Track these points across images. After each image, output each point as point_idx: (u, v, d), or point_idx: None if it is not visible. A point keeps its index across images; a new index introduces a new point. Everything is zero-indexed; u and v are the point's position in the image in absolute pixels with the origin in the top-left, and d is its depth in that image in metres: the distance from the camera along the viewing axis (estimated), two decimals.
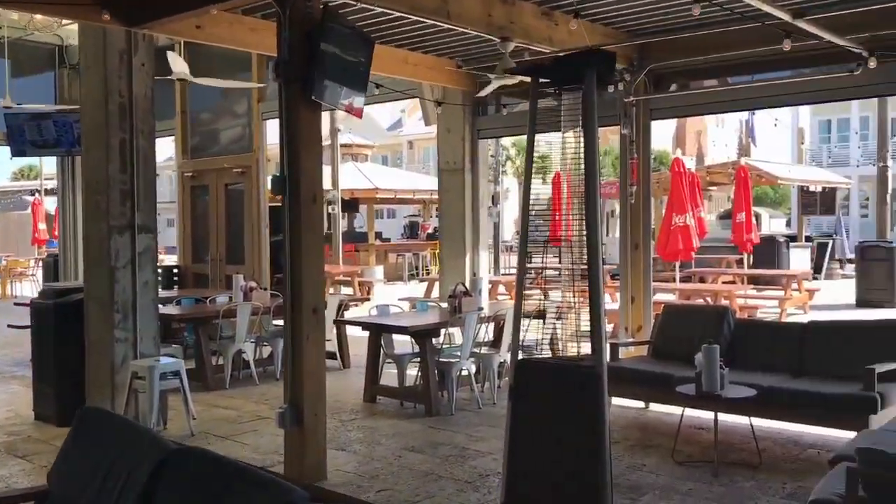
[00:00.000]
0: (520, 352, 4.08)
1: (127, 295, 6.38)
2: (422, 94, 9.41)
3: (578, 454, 3.75)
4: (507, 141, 40.88)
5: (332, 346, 9.22)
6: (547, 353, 4.11)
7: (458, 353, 7.11)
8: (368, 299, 15.45)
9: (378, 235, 23.97)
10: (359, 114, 5.37)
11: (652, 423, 6.62)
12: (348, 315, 9.99)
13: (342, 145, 22.51)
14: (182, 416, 6.79)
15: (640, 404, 6.95)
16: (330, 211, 19.70)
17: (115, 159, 6.33)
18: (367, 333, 7.50)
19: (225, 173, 12.32)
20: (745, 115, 28.32)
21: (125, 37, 6.31)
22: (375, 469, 5.41)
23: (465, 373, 7.17)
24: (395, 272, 21.35)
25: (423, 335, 6.96)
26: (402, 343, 7.74)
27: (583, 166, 3.94)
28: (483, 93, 7.86)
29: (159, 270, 13.30)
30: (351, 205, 22.12)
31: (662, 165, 27.78)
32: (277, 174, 5.11)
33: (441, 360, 7.17)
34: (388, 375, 7.67)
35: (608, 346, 6.56)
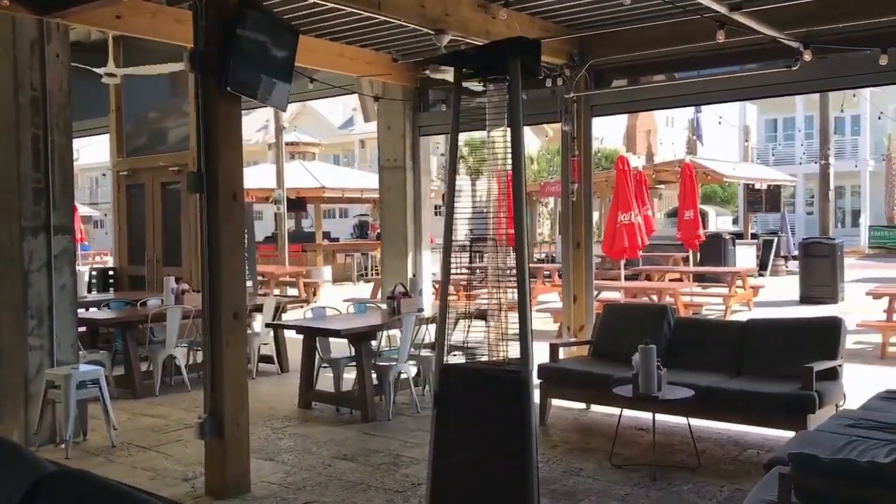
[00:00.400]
0: (446, 356, 3.88)
1: (42, 299, 6.04)
2: (360, 89, 9.17)
3: (504, 463, 3.56)
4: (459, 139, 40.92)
5: (269, 349, 8.96)
6: (479, 357, 3.91)
7: (397, 356, 6.89)
8: (307, 301, 15.16)
9: (326, 235, 23.60)
10: (282, 106, 5.11)
11: (592, 424, 6.49)
12: (287, 318, 9.72)
13: (288, 143, 22.12)
14: (104, 426, 6.48)
15: (582, 405, 6.82)
16: (275, 210, 19.33)
17: (26, 156, 5.97)
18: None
19: (161, 172, 11.92)
20: (691, 113, 28.54)
21: (37, 26, 5.96)
22: (303, 480, 5.16)
23: (403, 376, 6.96)
24: (344, 273, 21.03)
25: (358, 338, 6.73)
26: (341, 346, 7.50)
27: (509, 163, 3.74)
28: (434, 75, 7.66)
29: (94, 273, 12.95)
30: (298, 204, 21.72)
31: (613, 165, 27.90)
32: (194, 171, 4.83)
33: (379, 363, 6.95)
34: (327, 380, 7.43)
35: (538, 348, 6.42)
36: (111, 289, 12.30)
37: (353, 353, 6.96)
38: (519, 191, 3.66)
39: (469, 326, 3.94)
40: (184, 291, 8.52)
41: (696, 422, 5.69)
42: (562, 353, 6.97)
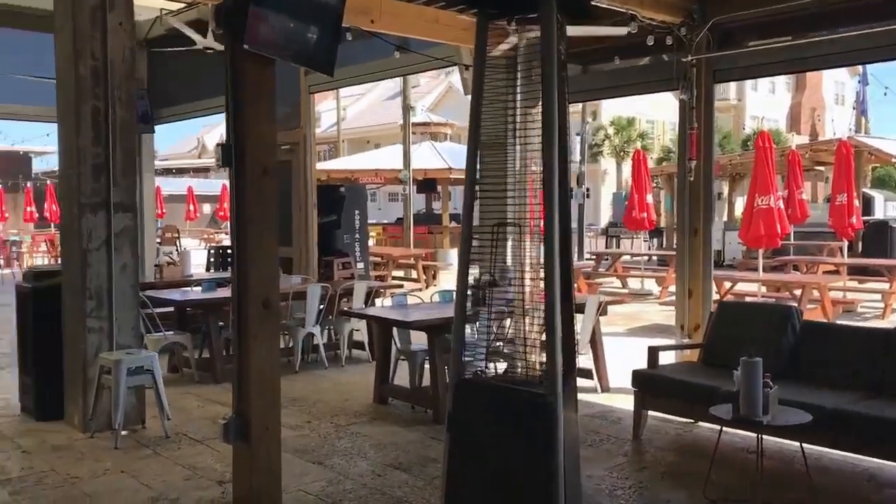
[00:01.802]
0: (467, 366, 3.17)
1: (101, 280, 5.79)
2: (461, 60, 8.47)
3: (527, 499, 2.82)
4: (605, 118, 39.27)
5: (361, 335, 8.52)
6: (513, 369, 3.19)
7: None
8: (426, 285, 14.66)
9: (455, 217, 23.13)
10: (326, 70, 4.50)
11: (696, 443, 5.54)
12: (384, 303, 9.21)
13: (419, 124, 21.79)
14: (183, 412, 6.23)
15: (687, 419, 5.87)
16: (402, 191, 19.03)
17: (86, 130, 5.72)
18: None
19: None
20: (856, 85, 25.77)
21: None
22: (343, 492, 4.59)
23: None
24: None
25: (433, 330, 6.09)
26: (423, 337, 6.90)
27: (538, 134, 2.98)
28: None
29: (212, 251, 13.03)
30: (428, 185, 21.35)
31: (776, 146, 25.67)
32: (223, 143, 4.32)
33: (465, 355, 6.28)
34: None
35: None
36: (229, 267, 12.30)
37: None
38: (553, 170, 2.89)
39: (503, 330, 3.22)
40: None
41: (820, 449, 4.65)
42: (670, 357, 6.06)
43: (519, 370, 3.08)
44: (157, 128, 15.34)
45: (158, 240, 16.31)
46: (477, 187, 3.50)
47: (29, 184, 29.25)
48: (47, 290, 6.06)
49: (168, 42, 13.98)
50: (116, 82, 5.81)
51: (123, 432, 5.58)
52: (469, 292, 5.78)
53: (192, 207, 27.02)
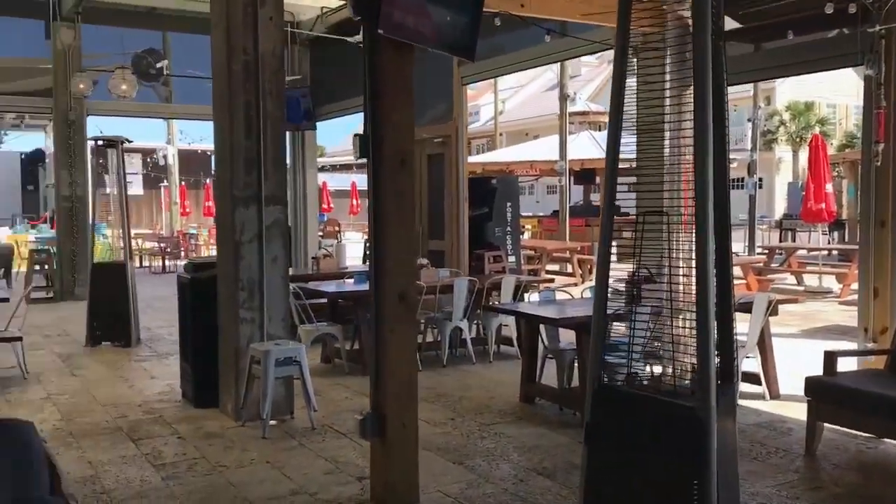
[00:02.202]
0: (613, 372, 2.87)
1: (253, 272, 5.90)
2: None
3: None
4: (780, 103, 36.81)
5: (510, 330, 8.29)
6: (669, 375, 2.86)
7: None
8: (581, 280, 14.21)
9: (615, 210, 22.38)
10: (468, 55, 4.30)
11: (882, 462, 4.91)
12: (531, 298, 8.93)
13: (578, 113, 21.26)
14: (331, 404, 6.28)
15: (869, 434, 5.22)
16: (558, 182, 18.62)
17: (239, 124, 5.84)
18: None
19: (427, 144, 11.75)
20: None
21: None
22: (482, 496, 4.38)
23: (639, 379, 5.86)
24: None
25: (582, 329, 5.76)
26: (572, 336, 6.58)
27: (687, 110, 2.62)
28: None
29: (368, 244, 13.26)
30: (586, 176, 20.80)
31: None
32: (360, 133, 4.22)
33: (607, 358, 5.92)
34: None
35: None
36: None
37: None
38: (707, 149, 2.53)
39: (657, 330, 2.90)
40: (420, 267, 8.13)
41: None
42: (851, 364, 5.43)
43: (669, 375, 2.74)
44: (324, 125, 15.85)
45: (321, 233, 16.84)
46: (618, 175, 3.14)
47: (208, 180, 31.19)
48: (204, 281, 6.26)
49: (329, 39, 14.37)
50: (267, 76, 5.88)
51: (272, 422, 5.66)
52: (622, 288, 5.41)
53: (355, 202, 27.89)
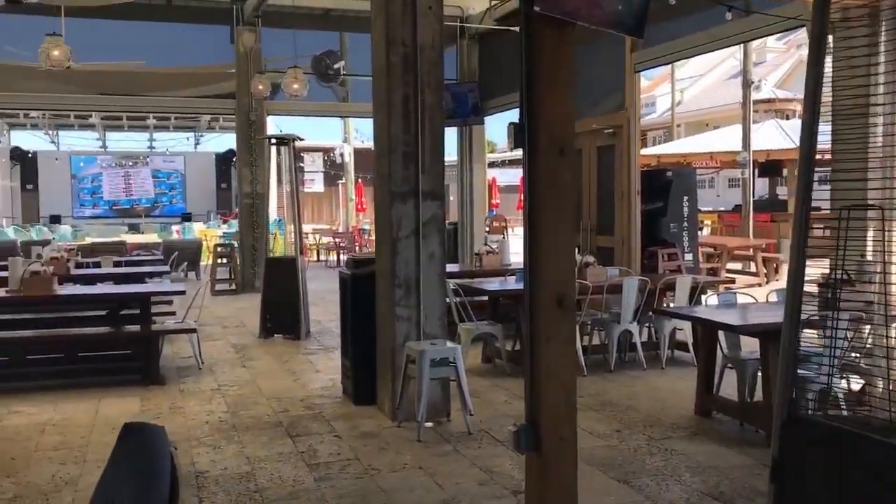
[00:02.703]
0: (805, 392, 2.39)
1: (409, 268, 5.75)
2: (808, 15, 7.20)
3: None
4: None
5: (685, 334, 7.70)
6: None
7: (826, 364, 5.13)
8: (766, 280, 13.12)
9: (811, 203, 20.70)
10: (635, 31, 3.86)
11: None
12: (710, 301, 8.26)
13: (763, 101, 19.82)
14: (489, 407, 6.05)
15: None
16: (740, 175, 17.44)
17: (397, 117, 5.70)
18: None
19: (597, 135, 11.26)
20: None
21: None
22: None
23: (838, 391, 5.17)
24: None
25: (767, 337, 5.15)
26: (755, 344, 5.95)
27: None
28: None
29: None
30: (771, 167, 19.36)
31: None
32: (516, 121, 3.90)
33: (800, 371, 5.26)
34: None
35: None
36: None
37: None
38: None
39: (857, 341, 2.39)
40: (587, 264, 7.71)
41: None
42: None
43: (874, 396, 2.24)
44: (496, 120, 15.71)
45: (487, 229, 16.69)
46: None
47: None
48: (363, 277, 6.18)
49: (499, 33, 14.15)
50: (426, 68, 5.70)
51: (427, 424, 5.49)
52: (814, 291, 4.73)
53: (523, 197, 27.62)
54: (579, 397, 6.10)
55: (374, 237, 23.27)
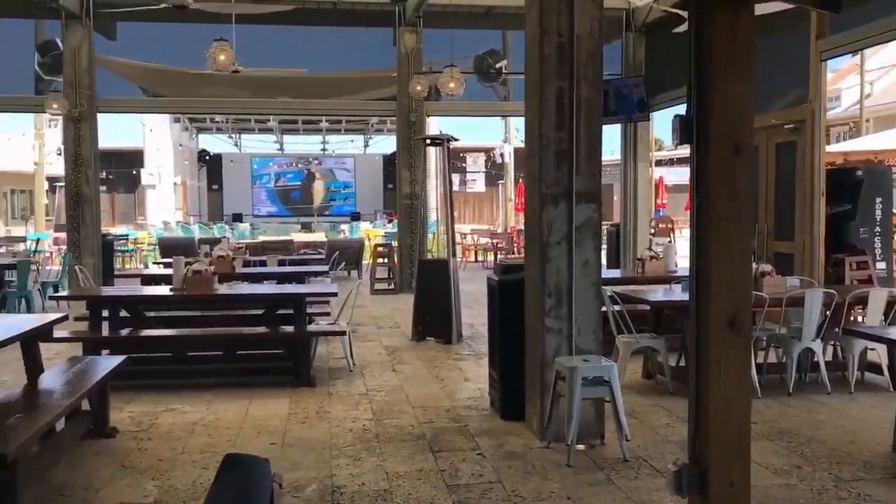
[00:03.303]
0: None
1: (561, 276, 5.32)
2: None
3: None
4: None
5: (878, 355, 6.78)
6: None
7: None
8: None
9: None
10: (834, 8, 3.26)
11: None
12: None
13: None
14: (648, 431, 5.53)
15: None
16: None
17: (549, 113, 5.29)
18: None
19: (775, 131, 10.30)
20: None
21: None
22: None
23: None
24: None
25: None
26: None
27: None
28: None
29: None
30: None
31: None
32: (682, 114, 3.39)
33: None
34: None
35: None
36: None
37: None
38: None
39: None
40: (764, 274, 6.96)
41: None
42: None
43: None
44: (663, 116, 14.91)
45: (652, 231, 15.87)
46: None
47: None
48: (512, 284, 5.82)
49: (667, 24, 13.37)
50: (582, 59, 5.25)
51: (579, 446, 5.05)
52: None
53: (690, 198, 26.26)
54: (752, 423, 5.45)
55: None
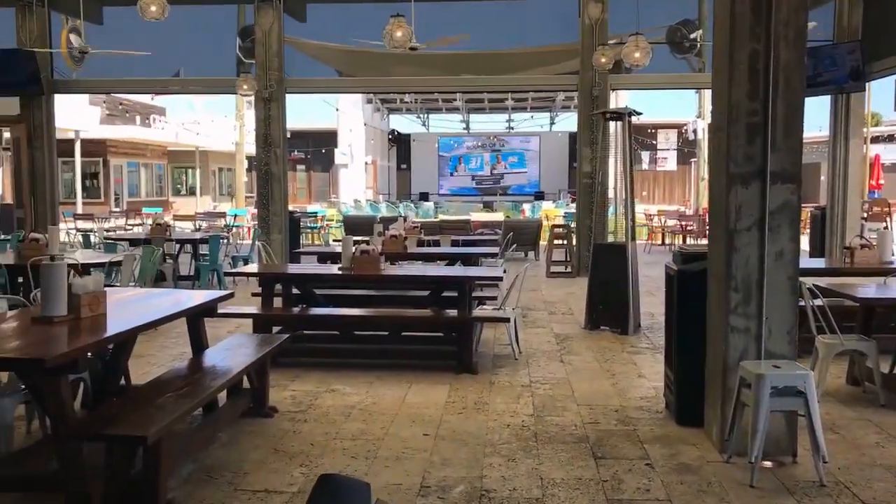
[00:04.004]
0: None
1: (750, 268, 4.64)
2: None
3: None
4: None
5: None
6: None
7: None
8: None
9: None
10: None
11: None
12: None
13: None
14: (853, 449, 4.78)
15: None
16: None
17: (740, 80, 4.59)
18: None
19: None
20: None
21: None
22: None
23: None
24: None
25: None
26: None
27: None
28: None
29: None
30: None
31: None
32: None
33: None
34: None
35: None
36: None
37: None
38: None
39: None
40: None
41: None
42: None
43: None
44: (881, 87, 13.29)
45: (864, 215, 14.22)
46: None
47: None
48: (693, 275, 5.18)
49: None
50: (783, 17, 4.51)
51: (765, 463, 4.40)
52: None
53: None
54: None
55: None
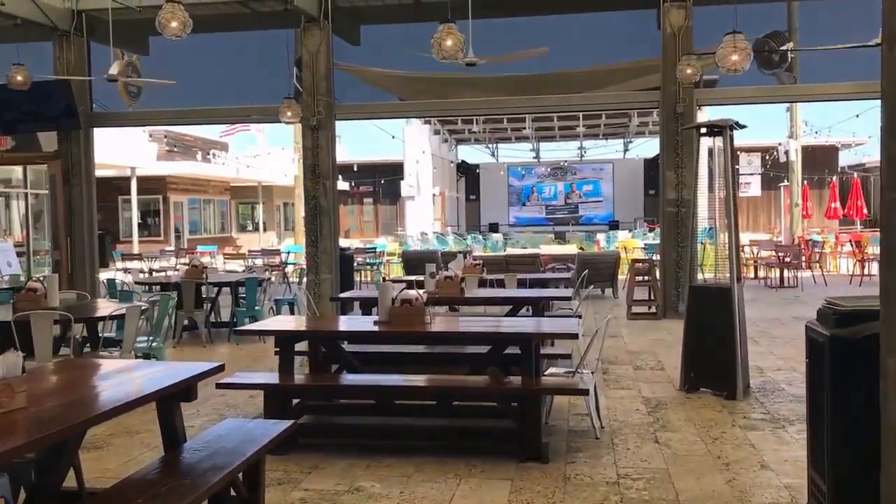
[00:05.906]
0: None
1: None
2: None
3: None
4: None
5: None
6: None
7: None
8: None
9: None
10: None
11: None
12: None
13: None
14: None
15: None
16: None
17: None
18: None
19: None
20: None
21: None
22: None
23: None
24: None
25: None
26: None
27: None
28: None
29: None
30: None
31: None
32: None
33: None
34: None
35: None
36: None
37: None
38: None
39: None
40: None
41: None
42: None
43: None
44: None
45: None
46: None
47: (834, 178, 27.42)
48: (858, 344, 3.59)
49: None
50: None
51: None
52: None
53: None
54: None
55: (826, 250, 19.26)
